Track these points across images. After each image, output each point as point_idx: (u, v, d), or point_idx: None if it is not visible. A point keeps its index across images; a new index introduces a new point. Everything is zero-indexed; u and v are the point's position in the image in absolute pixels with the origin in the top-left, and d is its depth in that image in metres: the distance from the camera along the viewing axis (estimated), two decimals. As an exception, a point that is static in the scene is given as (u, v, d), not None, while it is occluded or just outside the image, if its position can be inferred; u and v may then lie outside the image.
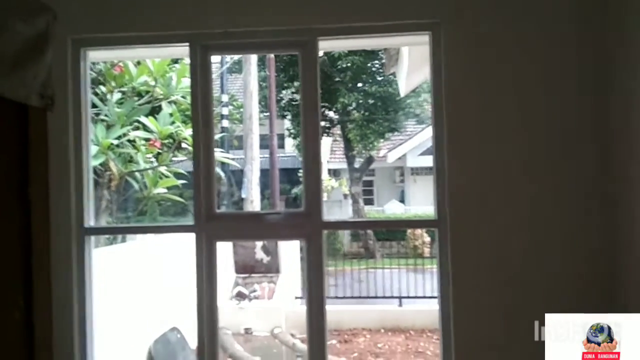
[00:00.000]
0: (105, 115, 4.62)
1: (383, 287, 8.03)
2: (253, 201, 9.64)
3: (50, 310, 1.88)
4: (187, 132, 4.71)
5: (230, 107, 11.43)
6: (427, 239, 12.13)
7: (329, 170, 17.58)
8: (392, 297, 7.73)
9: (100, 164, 4.55)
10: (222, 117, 10.49)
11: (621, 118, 1.98)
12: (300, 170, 2.31)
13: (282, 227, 2.34)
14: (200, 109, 2.27)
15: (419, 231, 11.99)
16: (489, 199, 2.12)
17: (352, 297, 7.89)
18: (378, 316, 7.46)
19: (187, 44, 2.26)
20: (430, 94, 2.23)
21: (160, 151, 5.02)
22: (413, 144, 16.17)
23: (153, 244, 5.68)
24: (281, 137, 14.28)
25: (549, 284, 2.08)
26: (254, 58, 9.95)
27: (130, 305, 4.64)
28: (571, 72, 2.10)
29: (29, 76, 1.59)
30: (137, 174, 4.91)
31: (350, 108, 13.93)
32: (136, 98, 4.96)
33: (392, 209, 16.01)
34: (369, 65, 13.34)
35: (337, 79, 13.19)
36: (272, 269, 8.01)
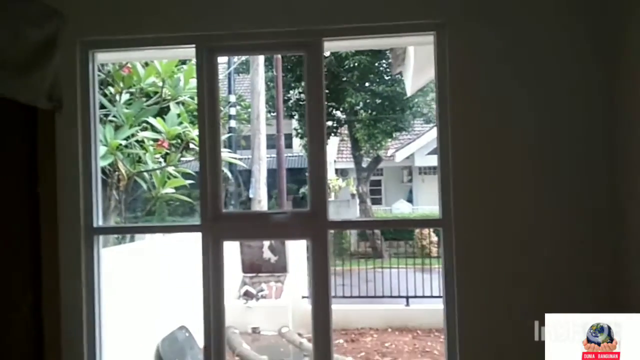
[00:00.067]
0: (114, 116, 4.66)
1: (390, 287, 8.02)
2: (260, 201, 9.68)
3: (59, 307, 1.91)
4: (195, 132, 4.74)
5: (238, 107, 11.47)
6: (435, 238, 12.11)
7: (337, 170, 17.59)
8: (399, 296, 7.72)
9: (109, 165, 4.59)
10: (230, 117, 10.53)
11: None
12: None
13: (288, 226, 2.36)
14: (207, 110, 2.29)
15: (426, 231, 11.96)
16: (494, 199, 2.13)
17: (359, 297, 7.89)
18: (385, 315, 7.46)
19: (193, 45, 2.29)
20: (435, 94, 2.24)
21: (168, 152, 5.06)
22: (421, 144, 16.14)
23: (161, 243, 5.73)
24: (289, 137, 14.31)
25: (555, 284, 2.08)
26: (261, 58, 9.99)
27: (138, 303, 4.68)
28: (577, 70, 2.10)
29: (37, 79, 1.62)
30: (145, 174, 4.95)
31: (358, 108, 13.92)
32: (144, 99, 4.99)
33: (400, 209, 15.99)
34: (376, 64, 13.31)
35: (345, 79, 13.18)
36: (279, 268, 8.03)
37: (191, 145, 5.12)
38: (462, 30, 2.15)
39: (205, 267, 2.26)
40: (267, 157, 10.34)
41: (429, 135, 15.24)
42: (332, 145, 16.27)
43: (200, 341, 5.44)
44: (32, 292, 2.05)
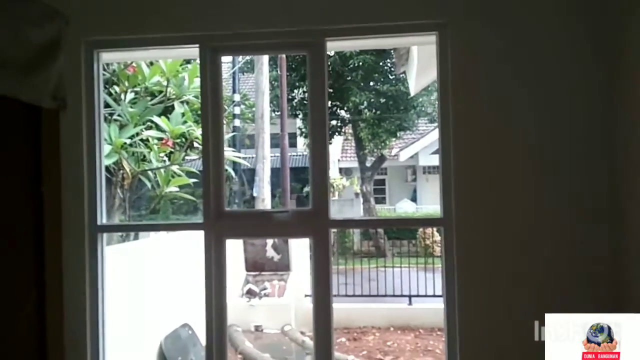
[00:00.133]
0: (119, 115, 4.69)
1: (393, 286, 8.03)
2: (264, 200, 9.71)
3: (62, 304, 1.93)
4: (199, 131, 4.76)
5: (242, 107, 11.50)
6: (438, 237, 12.10)
7: (341, 169, 17.59)
8: (402, 295, 7.73)
9: (114, 163, 4.62)
10: (234, 116, 10.56)
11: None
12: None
13: (290, 225, 2.37)
14: (210, 109, 2.31)
15: (430, 230, 11.95)
16: (494, 198, 2.14)
17: (362, 296, 7.91)
18: (388, 314, 7.47)
19: (197, 45, 2.31)
20: (437, 94, 2.26)
21: (172, 150, 5.09)
22: (425, 143, 16.10)
23: (165, 241, 5.76)
24: (293, 136, 14.34)
25: (555, 284, 2.09)
26: (265, 58, 10.02)
27: (141, 301, 4.71)
28: (577, 70, 2.10)
29: (41, 79, 1.64)
30: (149, 172, 4.97)
31: (362, 107, 13.92)
32: (149, 98, 5.02)
33: (404, 208, 15.97)
34: (380, 64, 13.29)
35: (349, 78, 13.18)
36: (282, 267, 8.06)
37: (195, 144, 5.15)
38: (464, 31, 2.16)
39: (207, 264, 2.28)
40: (271, 156, 10.37)
41: (433, 135, 15.18)
42: (336, 144, 16.28)
43: (203, 339, 5.47)
44: (36, 290, 2.07)
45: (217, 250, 2.29)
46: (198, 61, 2.36)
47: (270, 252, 8.06)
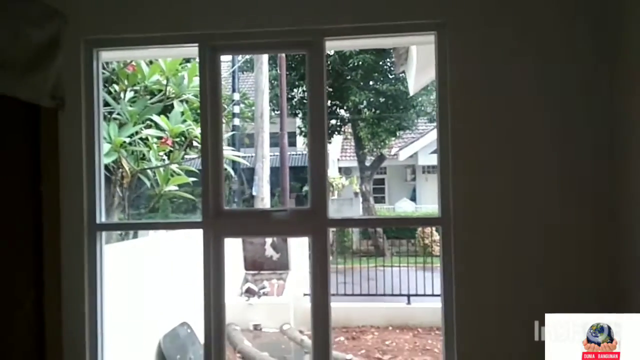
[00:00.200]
0: (118, 114, 4.69)
1: (392, 285, 8.04)
2: (263, 199, 9.71)
3: (60, 303, 1.93)
4: (199, 130, 4.75)
5: (242, 106, 11.50)
6: (437, 237, 12.09)
7: (340, 168, 17.60)
8: (400, 294, 7.74)
9: (113, 162, 4.63)
10: (234, 115, 10.56)
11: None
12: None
13: (288, 224, 2.38)
14: (209, 108, 2.31)
15: (428, 229, 11.95)
16: (493, 198, 2.14)
17: (361, 295, 7.91)
18: (386, 314, 7.48)
19: (196, 44, 2.31)
20: (436, 94, 2.26)
21: (172, 149, 5.09)
22: (424, 142, 16.10)
23: (164, 240, 5.76)
24: (292, 135, 14.34)
25: (552, 284, 2.09)
26: (265, 57, 10.01)
27: (141, 300, 4.71)
28: (577, 71, 2.11)
29: (40, 79, 1.64)
30: (149, 171, 4.98)
31: (362, 106, 13.92)
32: (148, 97, 5.02)
33: (403, 207, 15.98)
34: (380, 63, 13.30)
35: (349, 77, 13.18)
36: (281, 266, 8.06)
37: (195, 143, 5.15)
38: (462, 30, 2.16)
39: (206, 263, 2.28)
40: (271, 155, 10.37)
41: (433, 134, 15.19)
42: (336, 143, 16.28)
43: (201, 337, 5.48)
44: (35, 289, 2.07)
45: (215, 248, 2.29)
46: (198, 60, 2.36)
47: (270, 251, 8.07)
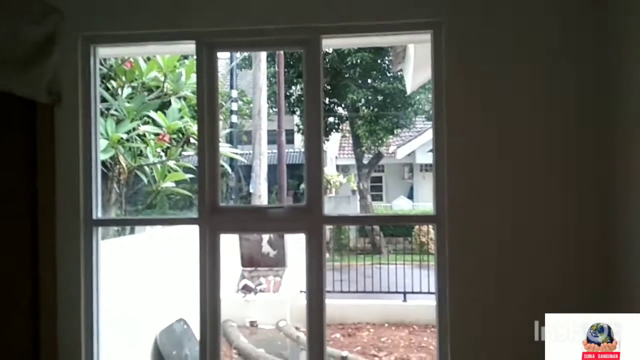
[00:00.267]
0: (116, 110, 4.70)
1: (388, 283, 8.07)
2: (261, 196, 9.72)
3: (55, 298, 1.94)
4: (196, 127, 4.77)
5: (240, 103, 11.49)
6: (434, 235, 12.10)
7: (338, 166, 17.62)
8: (397, 292, 7.77)
9: (110, 158, 4.63)
10: (232, 112, 10.57)
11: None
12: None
13: (284, 221, 2.39)
14: (206, 105, 2.32)
15: (425, 227, 11.98)
16: (488, 196, 2.14)
17: (357, 292, 7.94)
18: (382, 311, 7.52)
19: (194, 41, 2.32)
20: (432, 92, 2.27)
21: (169, 146, 5.10)
22: (422, 141, 16.15)
23: (161, 236, 5.76)
24: (290, 133, 14.33)
25: (546, 282, 2.09)
26: (263, 54, 10.00)
27: (137, 295, 4.72)
28: (576, 71, 2.11)
29: (36, 74, 1.65)
30: (146, 167, 4.99)
31: (360, 104, 13.93)
32: (146, 93, 5.03)
33: (400, 205, 16.01)
34: (378, 61, 13.31)
35: (347, 75, 13.19)
36: (278, 262, 8.07)
37: (192, 140, 5.16)
38: (458, 29, 2.16)
39: (202, 259, 2.29)
40: (268, 153, 10.38)
41: (430, 133, 15.20)
42: (334, 141, 16.29)
43: (198, 333, 5.48)
44: (30, 284, 2.08)
45: (211, 244, 2.31)
46: (195, 57, 2.37)
47: (266, 248, 8.08)
